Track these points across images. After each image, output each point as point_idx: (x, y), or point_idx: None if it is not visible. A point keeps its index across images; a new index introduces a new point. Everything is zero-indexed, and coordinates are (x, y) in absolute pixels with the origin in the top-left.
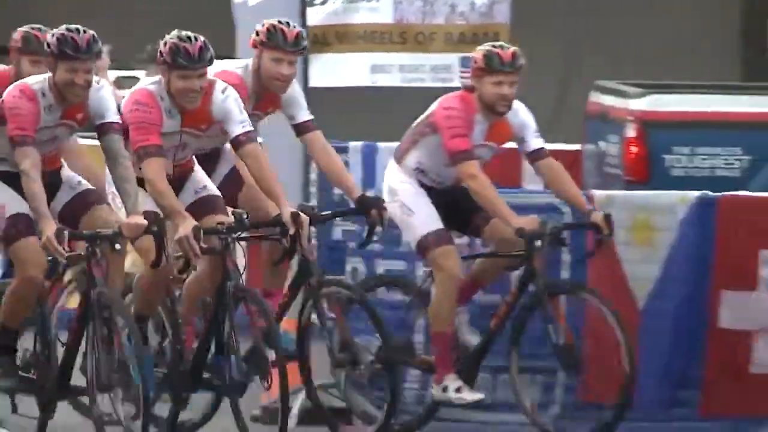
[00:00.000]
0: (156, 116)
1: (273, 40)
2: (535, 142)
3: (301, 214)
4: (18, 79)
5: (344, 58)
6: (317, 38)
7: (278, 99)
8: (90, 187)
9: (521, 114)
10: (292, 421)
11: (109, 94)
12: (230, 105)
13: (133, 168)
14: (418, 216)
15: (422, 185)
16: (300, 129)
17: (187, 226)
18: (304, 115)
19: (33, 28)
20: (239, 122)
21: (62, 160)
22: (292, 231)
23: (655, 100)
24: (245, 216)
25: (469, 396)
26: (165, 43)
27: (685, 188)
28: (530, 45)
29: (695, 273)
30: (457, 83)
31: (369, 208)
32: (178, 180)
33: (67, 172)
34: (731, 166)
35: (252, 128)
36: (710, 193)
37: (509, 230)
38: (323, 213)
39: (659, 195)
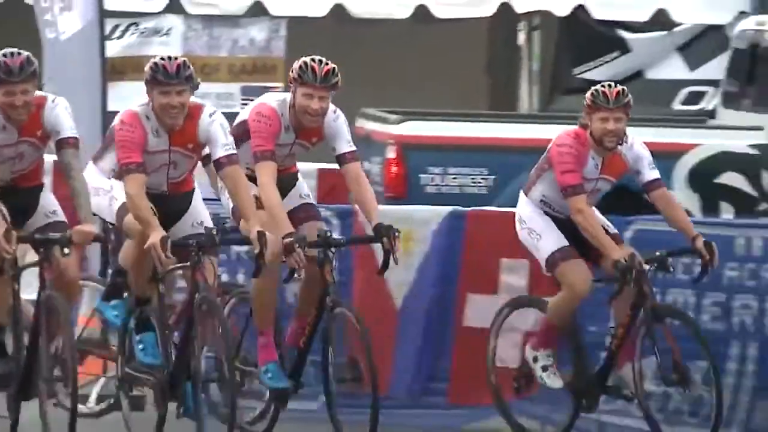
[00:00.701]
0: (139, 135)
1: (304, 76)
2: (650, 174)
3: (267, 233)
4: None
5: (138, 86)
6: (115, 68)
7: (320, 130)
8: (61, 219)
9: (636, 147)
10: None
11: (63, 110)
12: (215, 128)
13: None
14: (544, 238)
15: (547, 214)
16: (339, 160)
17: (155, 237)
18: (344, 147)
19: None
20: (222, 145)
21: (43, 180)
22: (256, 250)
23: (412, 126)
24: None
25: (552, 381)
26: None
27: (438, 204)
28: None
29: (444, 278)
30: (238, 109)
31: (382, 236)
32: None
33: (46, 197)
34: (478, 185)
35: (234, 152)
36: (460, 208)
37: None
38: (340, 239)
39: (416, 209)
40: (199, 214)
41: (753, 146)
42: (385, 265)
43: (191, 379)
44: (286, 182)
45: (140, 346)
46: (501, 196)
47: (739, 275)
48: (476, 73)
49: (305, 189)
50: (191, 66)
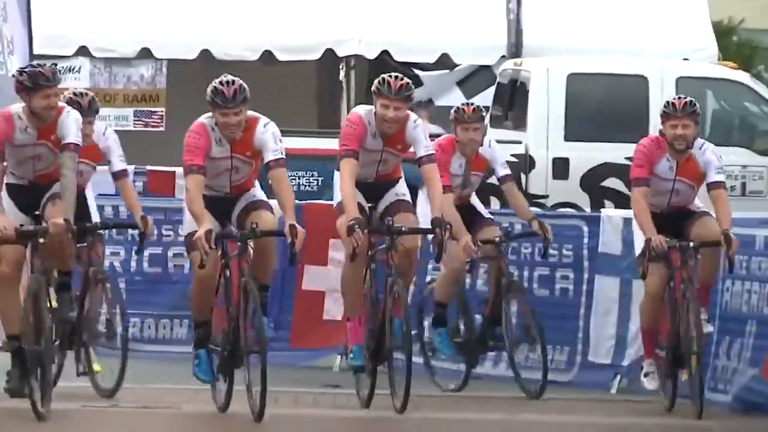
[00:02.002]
0: (204, 142)
1: (381, 89)
2: (715, 177)
3: (297, 227)
4: None
5: None
6: None
7: (402, 138)
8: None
9: (707, 153)
10: None
11: (72, 121)
12: (267, 137)
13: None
14: (637, 239)
15: (651, 212)
16: (418, 162)
17: (202, 230)
18: (421, 151)
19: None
20: (272, 150)
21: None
22: (289, 240)
23: None
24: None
25: (649, 384)
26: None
27: None
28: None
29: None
30: (132, 128)
31: (435, 228)
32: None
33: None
34: (311, 184)
35: (282, 156)
36: (298, 201)
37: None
38: (400, 227)
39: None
40: (400, 188)
41: (513, 155)
42: (438, 253)
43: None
44: (383, 185)
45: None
46: (327, 193)
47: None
48: (309, 101)
49: (402, 189)
50: (246, 88)
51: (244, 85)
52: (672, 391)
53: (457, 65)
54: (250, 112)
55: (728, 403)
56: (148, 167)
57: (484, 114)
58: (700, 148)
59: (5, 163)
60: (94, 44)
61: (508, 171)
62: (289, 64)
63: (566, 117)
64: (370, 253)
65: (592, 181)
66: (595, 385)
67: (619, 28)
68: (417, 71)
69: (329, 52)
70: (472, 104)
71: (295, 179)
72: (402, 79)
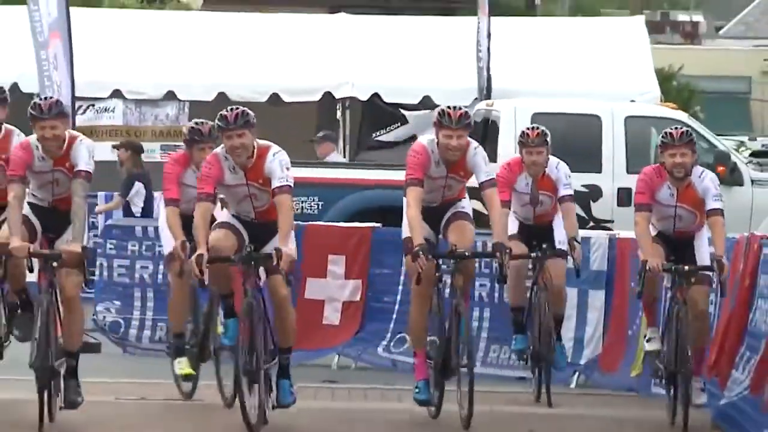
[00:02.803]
0: (215, 172)
1: (443, 120)
2: (712, 204)
3: (283, 250)
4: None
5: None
6: (80, 132)
7: (464, 164)
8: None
9: (706, 180)
10: None
11: (84, 148)
12: (275, 165)
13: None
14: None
15: (658, 233)
16: (480, 187)
17: (198, 251)
18: (482, 176)
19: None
20: (278, 177)
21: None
22: (274, 262)
23: None
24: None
25: (650, 346)
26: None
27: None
28: None
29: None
30: (159, 159)
31: (495, 252)
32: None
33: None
34: (312, 208)
35: (287, 183)
36: (300, 222)
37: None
38: (464, 251)
39: None
40: (460, 206)
41: None
42: (501, 275)
43: None
44: (448, 207)
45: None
46: (326, 215)
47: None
48: (310, 136)
49: (462, 203)
50: (250, 114)
51: (248, 111)
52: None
53: (437, 105)
54: (262, 141)
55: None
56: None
57: (548, 138)
58: (700, 176)
59: (28, 188)
60: (126, 87)
61: (568, 192)
62: (294, 104)
63: None
64: (436, 274)
65: None
66: (558, 381)
67: (576, 75)
68: (403, 111)
69: (328, 95)
70: (537, 128)
71: (299, 203)
72: (461, 109)
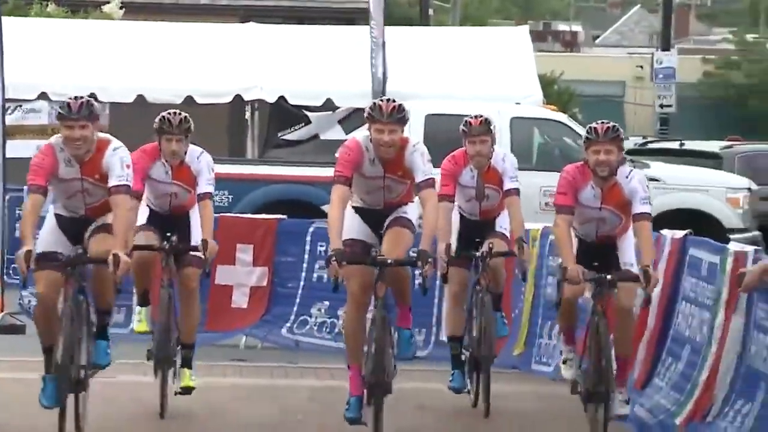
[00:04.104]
0: (49, 162)
1: (374, 114)
2: (640, 207)
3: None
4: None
5: (19, 143)
6: (8, 132)
7: (401, 164)
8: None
9: (633, 181)
10: None
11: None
12: (114, 161)
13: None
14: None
15: (578, 238)
16: (416, 188)
17: (27, 248)
18: (419, 176)
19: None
20: (116, 176)
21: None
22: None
23: None
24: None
25: (566, 372)
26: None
27: None
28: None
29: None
30: None
31: (419, 260)
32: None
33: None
34: (223, 201)
35: (128, 183)
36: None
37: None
38: (386, 259)
39: None
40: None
41: None
42: (424, 288)
43: None
44: (388, 211)
45: None
46: (236, 208)
47: None
48: (221, 135)
49: (405, 208)
50: (94, 105)
51: (93, 102)
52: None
53: (339, 107)
54: (103, 135)
55: (549, 373)
56: None
57: (492, 127)
58: (627, 176)
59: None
60: (52, 90)
61: (513, 185)
62: (207, 106)
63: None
64: (377, 283)
65: None
66: (446, 359)
67: (466, 80)
68: (306, 112)
69: (238, 97)
70: (480, 117)
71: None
72: (394, 101)
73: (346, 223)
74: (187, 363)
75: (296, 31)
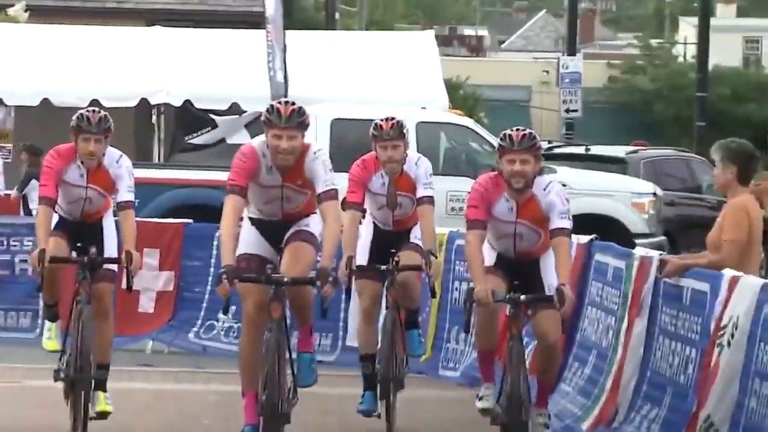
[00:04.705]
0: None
1: (271, 118)
2: (558, 222)
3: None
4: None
5: None
6: None
7: (301, 172)
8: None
9: (551, 194)
10: None
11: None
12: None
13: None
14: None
15: (498, 255)
16: (317, 199)
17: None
18: (320, 187)
19: None
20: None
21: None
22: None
23: None
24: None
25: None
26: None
27: None
28: (25, 139)
29: None
30: None
31: (318, 279)
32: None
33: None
34: None
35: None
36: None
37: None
38: (282, 277)
39: None
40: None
41: None
42: (322, 309)
43: None
44: (288, 224)
45: None
46: (142, 212)
47: None
48: (128, 138)
49: (306, 221)
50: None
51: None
52: None
53: (245, 111)
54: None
55: (456, 378)
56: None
57: (405, 130)
58: (545, 189)
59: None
60: None
61: (427, 193)
62: (113, 109)
63: (330, 154)
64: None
65: None
66: (353, 365)
67: (371, 84)
68: (213, 116)
69: (144, 101)
70: (392, 119)
71: None
72: (293, 104)
73: (242, 237)
74: (101, 385)
75: (202, 35)
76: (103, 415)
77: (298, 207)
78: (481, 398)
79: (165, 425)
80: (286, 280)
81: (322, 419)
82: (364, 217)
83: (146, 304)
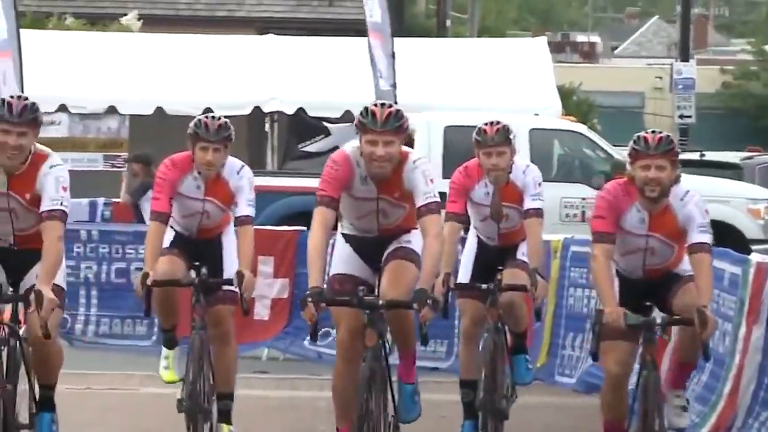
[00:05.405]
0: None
1: (365, 122)
2: (697, 236)
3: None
4: None
5: None
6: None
7: (398, 182)
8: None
9: (689, 205)
10: None
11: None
12: (49, 181)
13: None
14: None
15: (618, 274)
16: (417, 213)
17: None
18: (420, 199)
19: None
20: (50, 199)
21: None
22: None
23: None
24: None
25: None
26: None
27: None
28: (140, 148)
29: None
30: (101, 168)
31: (415, 302)
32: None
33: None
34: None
35: (62, 208)
36: None
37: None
38: (373, 300)
39: None
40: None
41: None
42: (422, 335)
43: None
44: (385, 240)
45: None
46: (256, 220)
47: None
48: (241, 146)
49: (407, 237)
50: (39, 110)
51: (37, 106)
52: None
53: None
54: (42, 148)
55: (572, 385)
56: (114, 199)
57: (512, 135)
58: (682, 199)
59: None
60: (71, 102)
61: (535, 204)
62: (226, 118)
63: (443, 159)
64: (368, 330)
65: None
66: None
67: (484, 91)
68: (326, 123)
69: (257, 109)
70: (497, 123)
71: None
72: (390, 106)
73: (336, 255)
74: (225, 417)
75: (313, 43)
76: None
77: (397, 222)
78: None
79: None
80: (380, 303)
81: (440, 423)
82: (466, 229)
83: (261, 312)
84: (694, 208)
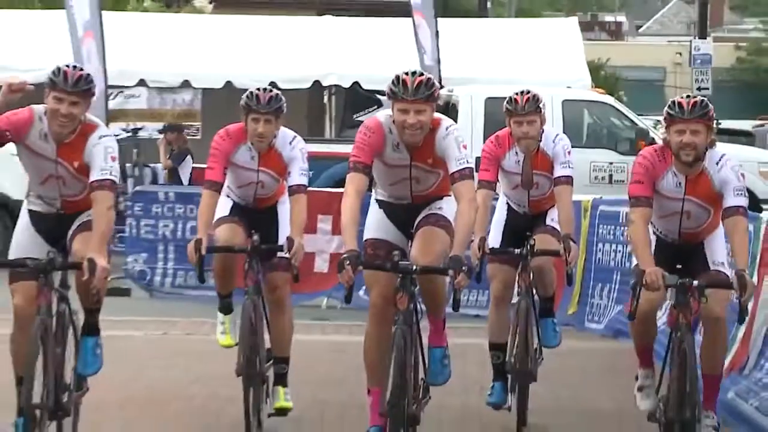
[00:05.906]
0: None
1: (396, 90)
2: (733, 200)
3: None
4: None
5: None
6: (112, 115)
7: (430, 149)
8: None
9: (725, 169)
10: None
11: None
12: (98, 150)
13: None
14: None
15: (655, 237)
16: (450, 179)
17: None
18: (453, 166)
19: None
20: (99, 169)
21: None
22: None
23: None
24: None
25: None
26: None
27: None
28: (211, 118)
29: None
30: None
31: (450, 269)
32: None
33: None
34: (307, 177)
35: (111, 178)
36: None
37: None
38: (408, 265)
39: None
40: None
41: None
42: (454, 301)
43: None
44: (419, 207)
45: None
46: (316, 182)
47: None
48: (301, 117)
49: (439, 203)
50: (92, 80)
51: (92, 77)
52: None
53: None
54: (95, 119)
55: (601, 330)
56: (192, 165)
57: (541, 104)
58: (717, 163)
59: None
60: (149, 77)
61: (565, 172)
62: (288, 91)
63: (485, 130)
64: (400, 295)
65: None
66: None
67: (521, 66)
68: (379, 96)
69: (317, 83)
70: (527, 92)
71: None
72: (422, 74)
73: (369, 220)
74: (281, 380)
75: (367, 24)
76: (282, 412)
77: (430, 188)
78: (641, 388)
79: (341, 372)
80: (414, 268)
81: (481, 371)
82: (496, 198)
83: (321, 265)
84: (730, 172)
